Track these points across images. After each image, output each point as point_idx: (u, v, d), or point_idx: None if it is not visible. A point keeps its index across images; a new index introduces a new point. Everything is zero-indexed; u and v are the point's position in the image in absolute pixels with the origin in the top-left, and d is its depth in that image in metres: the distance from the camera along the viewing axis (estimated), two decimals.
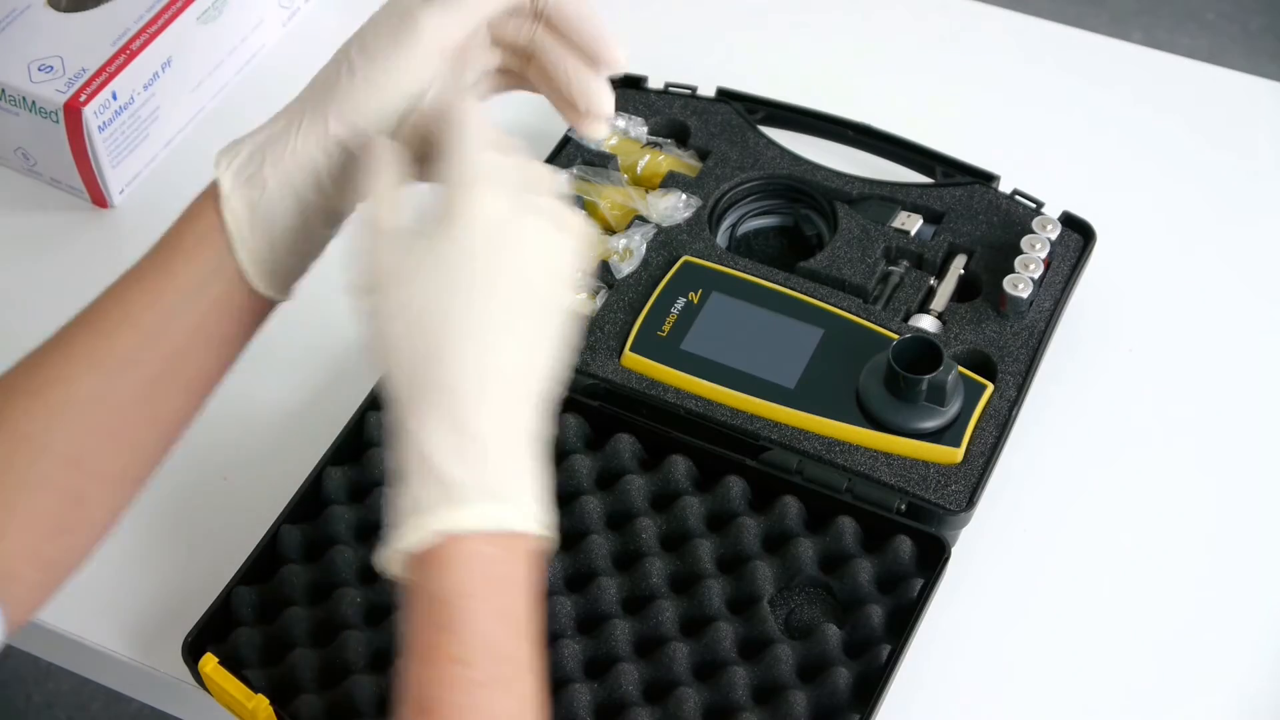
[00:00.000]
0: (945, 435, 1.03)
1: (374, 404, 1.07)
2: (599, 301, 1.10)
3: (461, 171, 0.81)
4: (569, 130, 1.19)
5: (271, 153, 0.91)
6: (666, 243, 1.13)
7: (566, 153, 1.19)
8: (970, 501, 1.01)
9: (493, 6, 0.89)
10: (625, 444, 1.05)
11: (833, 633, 0.98)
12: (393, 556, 0.78)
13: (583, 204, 1.15)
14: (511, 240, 0.80)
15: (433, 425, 0.77)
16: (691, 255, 1.12)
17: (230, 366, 0.92)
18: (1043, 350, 1.07)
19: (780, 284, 1.11)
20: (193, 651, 0.98)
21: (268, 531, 1.03)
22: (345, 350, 1.13)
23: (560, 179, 0.90)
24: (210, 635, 0.99)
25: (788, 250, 1.16)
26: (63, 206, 1.25)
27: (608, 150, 1.18)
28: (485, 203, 0.80)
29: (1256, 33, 2.72)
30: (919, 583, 0.99)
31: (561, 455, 1.05)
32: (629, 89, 1.23)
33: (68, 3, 1.26)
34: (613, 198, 1.15)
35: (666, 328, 1.08)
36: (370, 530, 1.03)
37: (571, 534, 1.02)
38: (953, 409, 1.03)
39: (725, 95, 1.22)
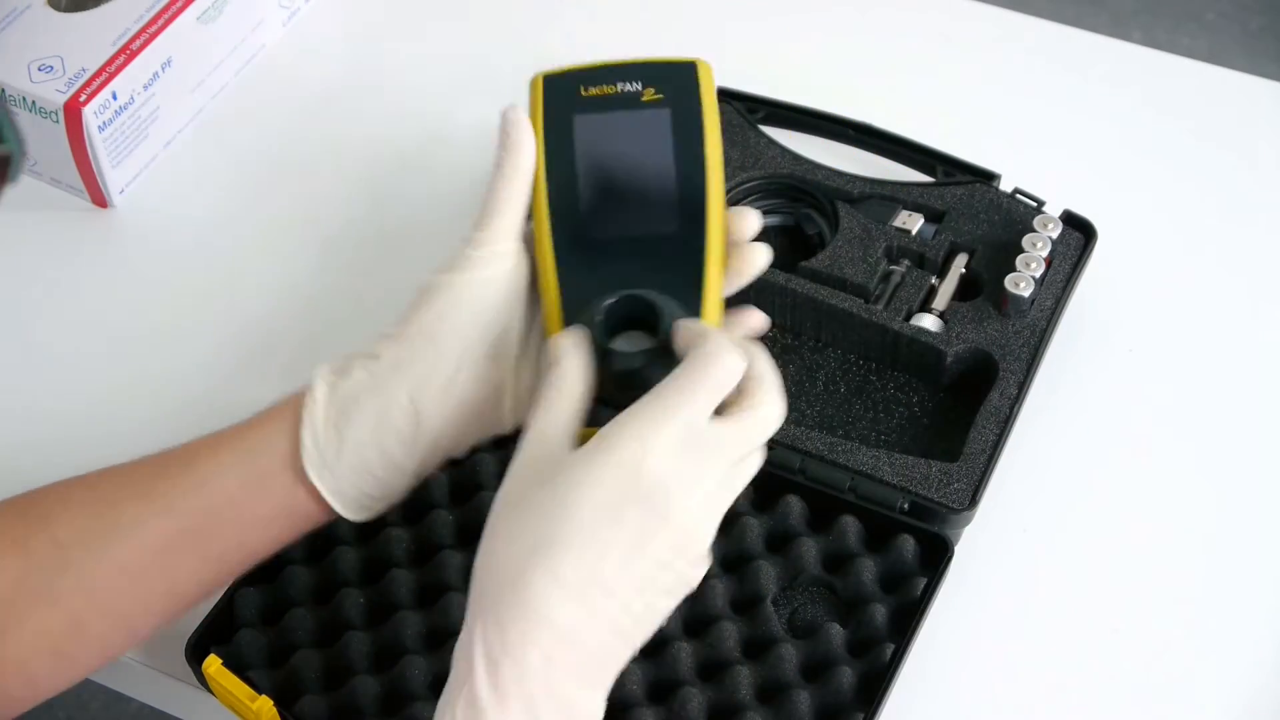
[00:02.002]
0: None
1: None
2: None
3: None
4: None
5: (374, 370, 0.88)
6: None
7: None
8: (973, 500, 1.01)
9: (522, 192, 0.89)
10: None
11: (836, 632, 0.98)
12: None
13: None
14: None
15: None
16: None
17: (255, 561, 0.92)
18: (1044, 349, 1.08)
19: (782, 284, 1.11)
20: (196, 653, 0.98)
21: None
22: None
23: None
24: (213, 637, 0.99)
25: (789, 250, 1.16)
26: (63, 206, 1.24)
27: None
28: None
29: (1256, 33, 2.72)
30: (922, 581, 0.99)
31: None
32: None
33: (68, 3, 1.25)
34: None
35: None
36: (372, 531, 1.03)
37: None
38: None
39: (724, 94, 1.21)
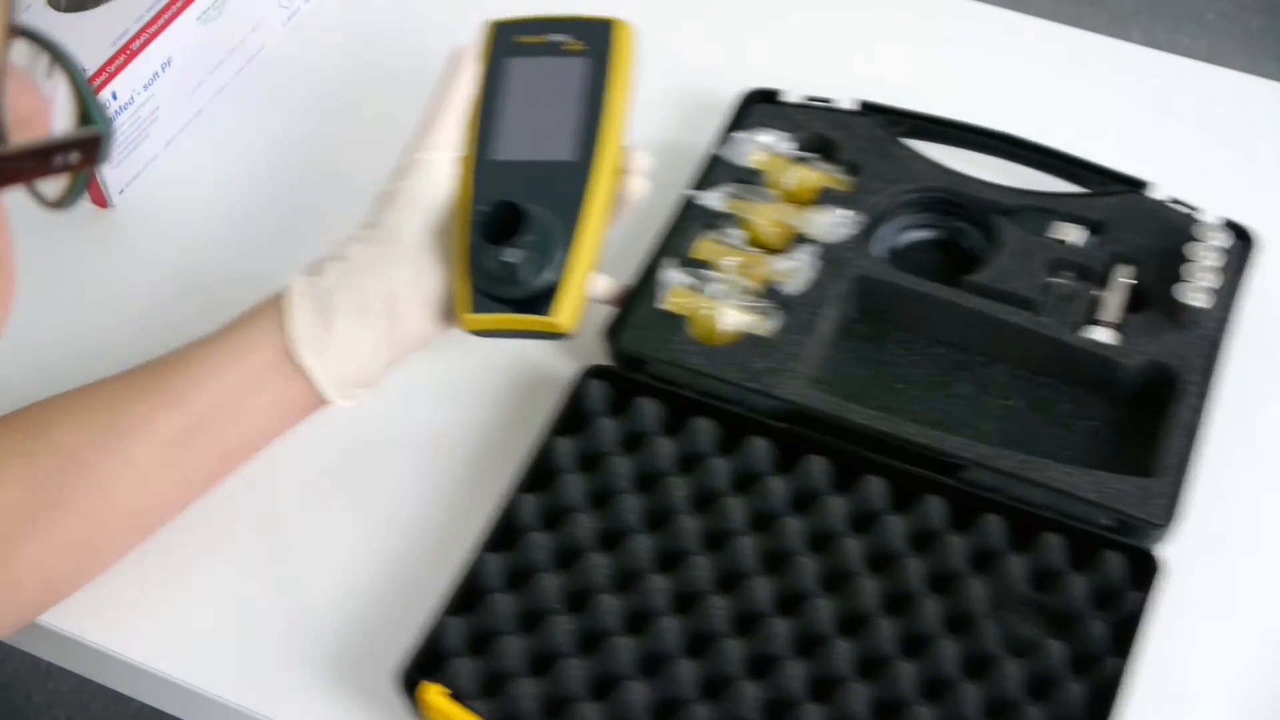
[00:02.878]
0: (540, 304, 1.01)
1: (559, 430, 1.06)
2: (773, 323, 1.10)
3: None
4: (713, 147, 1.19)
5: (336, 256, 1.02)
6: (832, 260, 1.12)
7: (715, 170, 1.18)
8: (1171, 515, 1.02)
9: (461, 105, 1.07)
10: (817, 466, 1.05)
11: (1057, 648, 0.98)
12: None
13: (738, 222, 1.14)
14: None
15: None
16: (859, 272, 1.12)
17: (252, 454, 1.01)
18: (1221, 358, 1.08)
19: (948, 299, 1.11)
20: (409, 682, 0.96)
21: (468, 561, 1.01)
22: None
23: None
24: (422, 667, 0.98)
25: (943, 264, 1.16)
26: None
27: (755, 167, 1.17)
28: None
29: (1256, 33, 2.76)
30: (1136, 597, 0.99)
31: (754, 479, 1.05)
32: (766, 103, 1.22)
33: (68, 3, 1.24)
34: (769, 215, 1.15)
35: None
36: (570, 556, 1.02)
37: (775, 556, 1.02)
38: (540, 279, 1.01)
39: (866, 108, 1.21)
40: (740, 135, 1.18)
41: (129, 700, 1.05)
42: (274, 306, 0.99)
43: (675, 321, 1.10)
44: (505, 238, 0.98)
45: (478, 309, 1.00)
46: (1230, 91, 1.33)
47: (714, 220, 1.15)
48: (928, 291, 1.11)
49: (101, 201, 1.24)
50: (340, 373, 0.99)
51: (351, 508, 1.07)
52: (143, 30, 1.22)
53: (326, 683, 1.00)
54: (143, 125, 1.25)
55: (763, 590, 1.00)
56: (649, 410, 1.07)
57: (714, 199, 1.15)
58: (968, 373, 1.12)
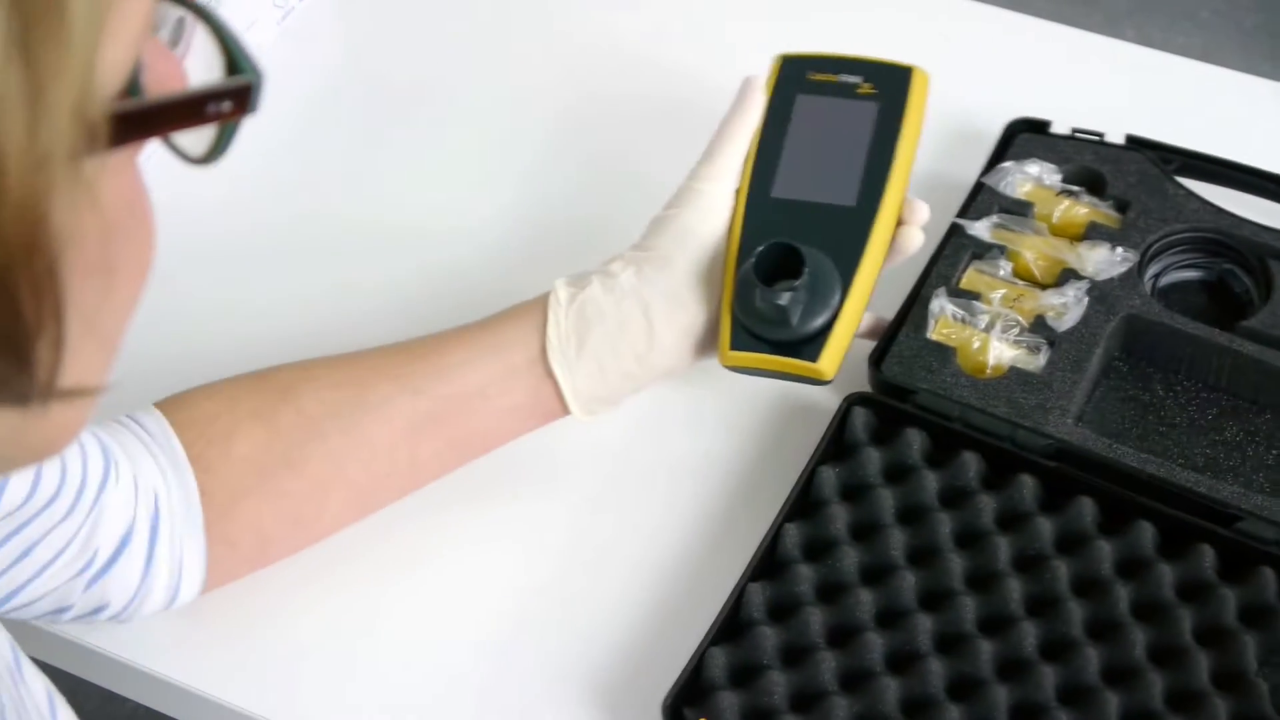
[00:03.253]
0: (805, 348, 1.00)
1: (823, 458, 1.06)
2: (1042, 359, 1.08)
3: None
4: (982, 175, 1.17)
5: (602, 271, 1.01)
6: (1102, 297, 1.11)
7: (982, 199, 1.16)
8: None
9: (743, 141, 1.07)
10: (1086, 508, 1.03)
11: None
12: None
13: (1005, 253, 1.13)
14: None
15: None
16: (1130, 311, 1.10)
17: (487, 450, 1.01)
18: None
19: (1224, 344, 1.09)
20: (673, 713, 0.96)
21: (732, 591, 1.00)
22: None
23: None
24: (685, 698, 0.97)
25: (1211, 306, 1.14)
26: None
27: (1023, 198, 1.16)
28: None
29: (1250, 31, 2.71)
30: None
31: (1021, 518, 1.03)
32: (1034, 134, 1.20)
33: None
34: (1038, 248, 1.13)
35: None
36: (834, 590, 1.01)
37: (1043, 600, 1.01)
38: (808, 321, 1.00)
39: (1136, 143, 1.19)
40: (1009, 165, 1.17)
41: (124, 700, 1.06)
42: (536, 310, 0.99)
43: (944, 352, 1.08)
44: (777, 278, 0.97)
45: (739, 346, 0.99)
46: (1225, 90, 1.31)
47: (982, 251, 1.13)
48: (1202, 335, 1.09)
49: None
50: (587, 387, 0.99)
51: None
52: None
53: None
54: None
55: (1028, 635, 0.99)
56: (915, 441, 1.06)
57: (982, 229, 1.13)
58: (1234, 419, 1.10)
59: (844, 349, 0.99)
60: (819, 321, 0.98)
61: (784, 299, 0.96)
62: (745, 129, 1.04)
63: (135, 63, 0.53)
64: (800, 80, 1.07)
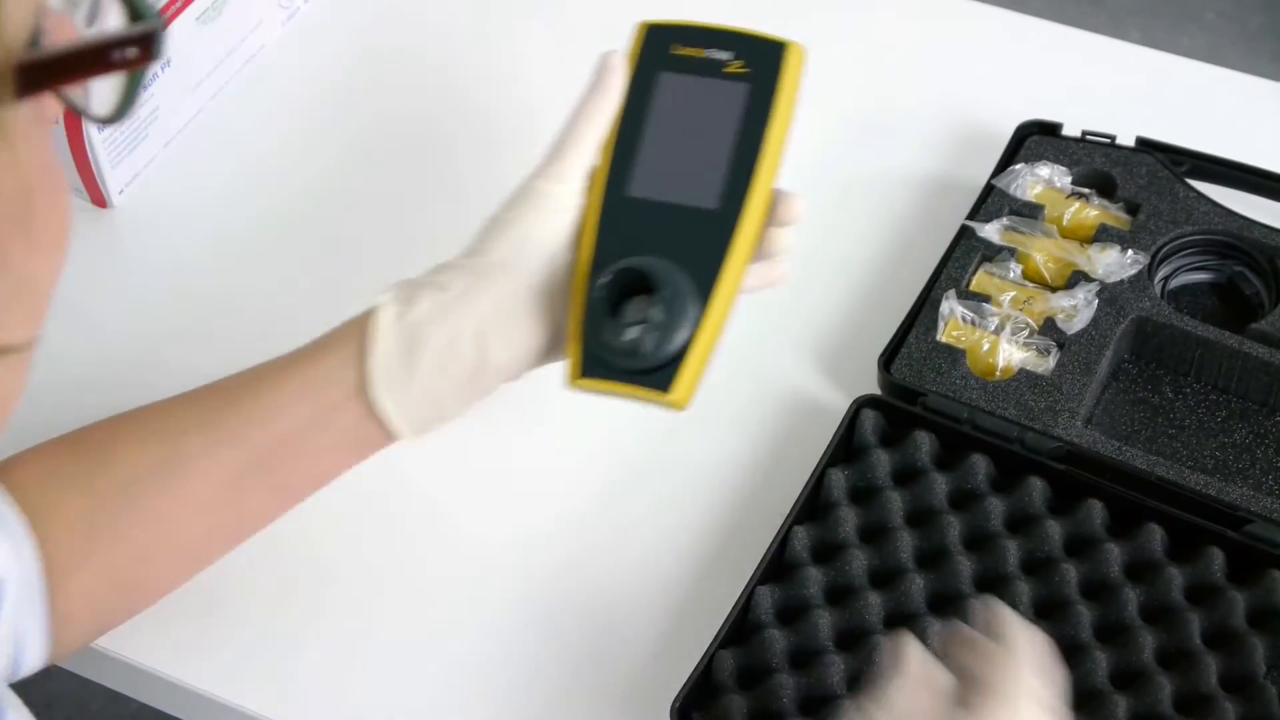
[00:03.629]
0: (658, 376, 0.90)
1: (832, 461, 1.05)
2: (1051, 361, 1.08)
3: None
4: (992, 177, 1.17)
5: (433, 284, 0.93)
6: (1112, 300, 1.11)
7: (992, 201, 1.16)
8: None
9: (596, 133, 0.94)
10: (1095, 510, 1.03)
11: None
12: None
13: (1015, 255, 1.13)
14: None
15: None
16: (1140, 314, 1.10)
17: (319, 487, 0.95)
18: None
19: (1234, 346, 1.08)
20: (682, 716, 0.96)
21: (741, 594, 1.00)
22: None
23: None
24: (694, 701, 0.97)
25: (1219, 307, 1.14)
26: None
27: (1034, 200, 1.15)
28: None
29: (1255, 32, 2.71)
30: None
31: (1030, 521, 1.03)
32: (1045, 136, 1.20)
33: None
34: (1048, 250, 1.13)
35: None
36: (842, 593, 1.01)
37: (1051, 603, 1.01)
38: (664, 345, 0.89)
39: (1146, 145, 1.19)
40: (1020, 167, 1.17)
41: (128, 700, 1.06)
42: (353, 336, 0.91)
43: (953, 355, 1.08)
44: (633, 293, 0.89)
45: (589, 373, 0.90)
46: (1232, 92, 1.31)
47: (992, 253, 1.13)
48: (1212, 338, 1.09)
49: (101, 202, 1.24)
50: (415, 415, 0.91)
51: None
52: None
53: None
54: (142, 125, 1.23)
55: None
56: (924, 443, 1.06)
57: (992, 231, 1.13)
58: (1244, 421, 1.10)
59: (701, 373, 0.90)
60: (674, 347, 0.88)
61: (634, 333, 0.88)
62: (599, 119, 0.93)
63: (35, 20, 0.54)
64: (664, 55, 0.94)
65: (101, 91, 0.61)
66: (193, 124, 1.29)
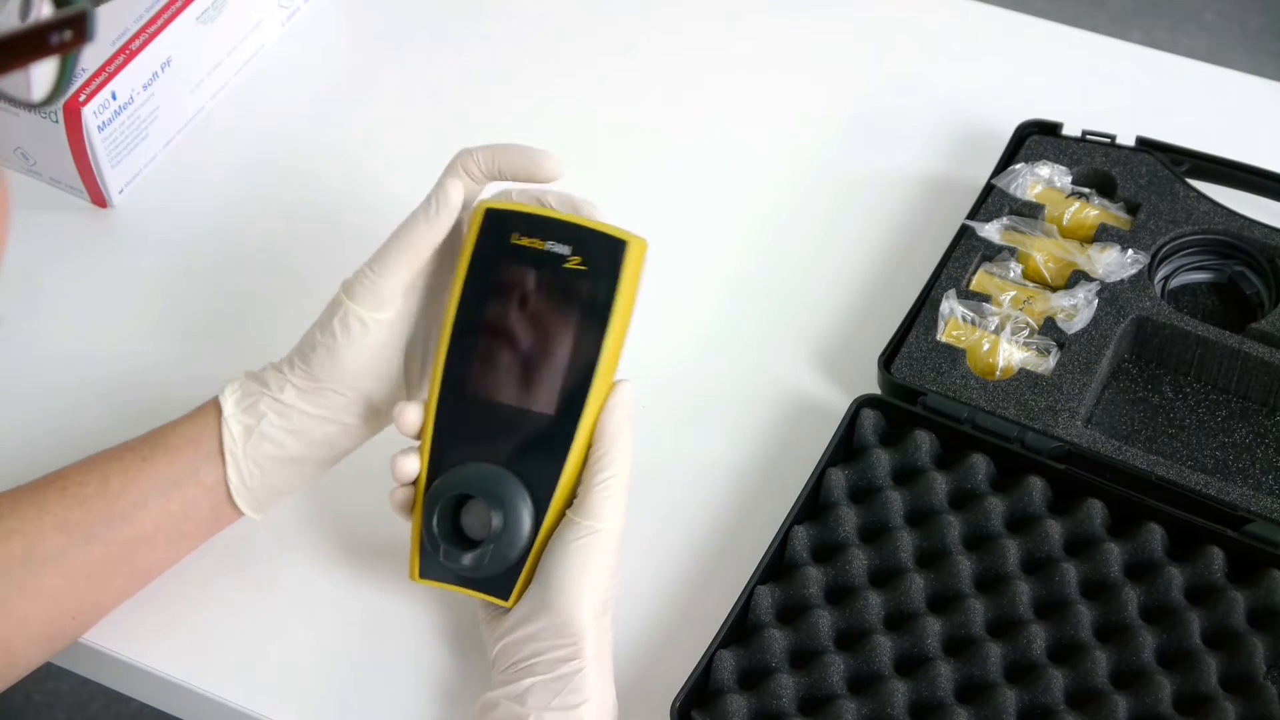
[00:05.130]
0: (495, 584, 0.94)
1: (832, 460, 1.05)
2: (1051, 361, 1.08)
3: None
4: (992, 177, 1.17)
5: (272, 398, 0.97)
6: (1112, 299, 1.11)
7: (992, 201, 1.16)
8: None
9: (417, 259, 0.96)
10: (1095, 510, 1.03)
11: None
12: None
13: (1016, 255, 1.13)
14: None
15: None
16: (1140, 313, 1.10)
17: (176, 563, 0.99)
18: None
19: (1234, 346, 1.08)
20: (682, 715, 0.96)
21: (741, 593, 1.00)
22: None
23: None
24: (694, 701, 0.97)
25: (1218, 307, 1.14)
26: (62, 206, 1.23)
27: (1034, 200, 1.15)
28: None
29: (1256, 32, 2.72)
30: None
31: (1029, 521, 1.03)
32: (1046, 135, 1.20)
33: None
34: (1048, 250, 1.13)
35: None
36: (842, 593, 1.01)
37: (1051, 603, 1.01)
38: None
39: (1146, 144, 1.19)
40: (1020, 167, 1.17)
41: (129, 700, 1.06)
42: (207, 434, 0.96)
43: (953, 354, 1.08)
44: (469, 497, 0.92)
45: (427, 574, 0.95)
46: (1232, 91, 1.31)
47: (992, 252, 1.13)
48: (1212, 337, 1.09)
49: (101, 201, 1.24)
50: (265, 501, 0.99)
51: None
52: (142, 30, 1.22)
53: None
54: (142, 125, 1.23)
55: (1037, 637, 0.99)
56: (924, 443, 1.06)
57: (993, 231, 1.13)
58: (1244, 421, 1.10)
59: (534, 569, 0.93)
60: (511, 562, 0.92)
61: (469, 559, 0.92)
62: (423, 246, 0.95)
63: None
64: (503, 243, 0.93)
65: (39, 78, 0.63)
66: (193, 124, 1.29)
